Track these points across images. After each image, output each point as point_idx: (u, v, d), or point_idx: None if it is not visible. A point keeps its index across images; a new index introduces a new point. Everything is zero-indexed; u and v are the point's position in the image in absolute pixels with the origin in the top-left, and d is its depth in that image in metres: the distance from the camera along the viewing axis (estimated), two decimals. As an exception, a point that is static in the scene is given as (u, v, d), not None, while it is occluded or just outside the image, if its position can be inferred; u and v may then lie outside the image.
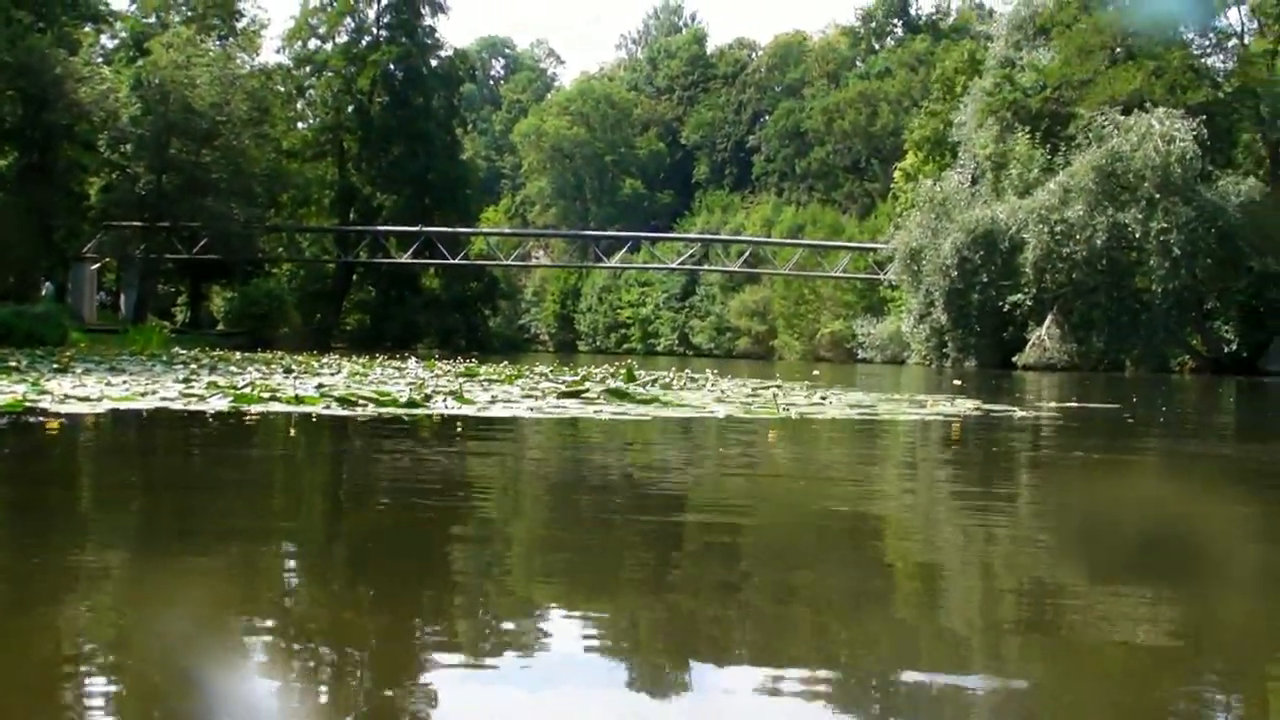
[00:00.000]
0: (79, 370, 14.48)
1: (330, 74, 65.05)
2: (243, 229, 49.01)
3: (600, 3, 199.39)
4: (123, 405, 9.61)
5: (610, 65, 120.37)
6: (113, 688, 2.46)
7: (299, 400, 10.24)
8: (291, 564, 3.93)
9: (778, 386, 15.77)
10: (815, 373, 24.93)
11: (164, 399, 10.17)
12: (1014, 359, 41.90)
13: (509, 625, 3.09)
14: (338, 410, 9.73)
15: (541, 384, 14.07)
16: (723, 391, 13.97)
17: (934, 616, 3.38)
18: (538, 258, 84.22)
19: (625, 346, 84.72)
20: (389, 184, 63.68)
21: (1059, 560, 4.31)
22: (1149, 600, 3.58)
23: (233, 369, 16.72)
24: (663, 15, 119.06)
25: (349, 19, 65.48)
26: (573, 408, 10.74)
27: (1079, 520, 5.42)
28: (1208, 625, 3.32)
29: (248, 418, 9.05)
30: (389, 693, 2.51)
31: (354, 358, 24.96)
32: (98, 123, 45.68)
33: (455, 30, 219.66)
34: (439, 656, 2.76)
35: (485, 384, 14.10)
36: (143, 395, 10.41)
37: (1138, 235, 39.80)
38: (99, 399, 9.84)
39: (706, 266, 69.12)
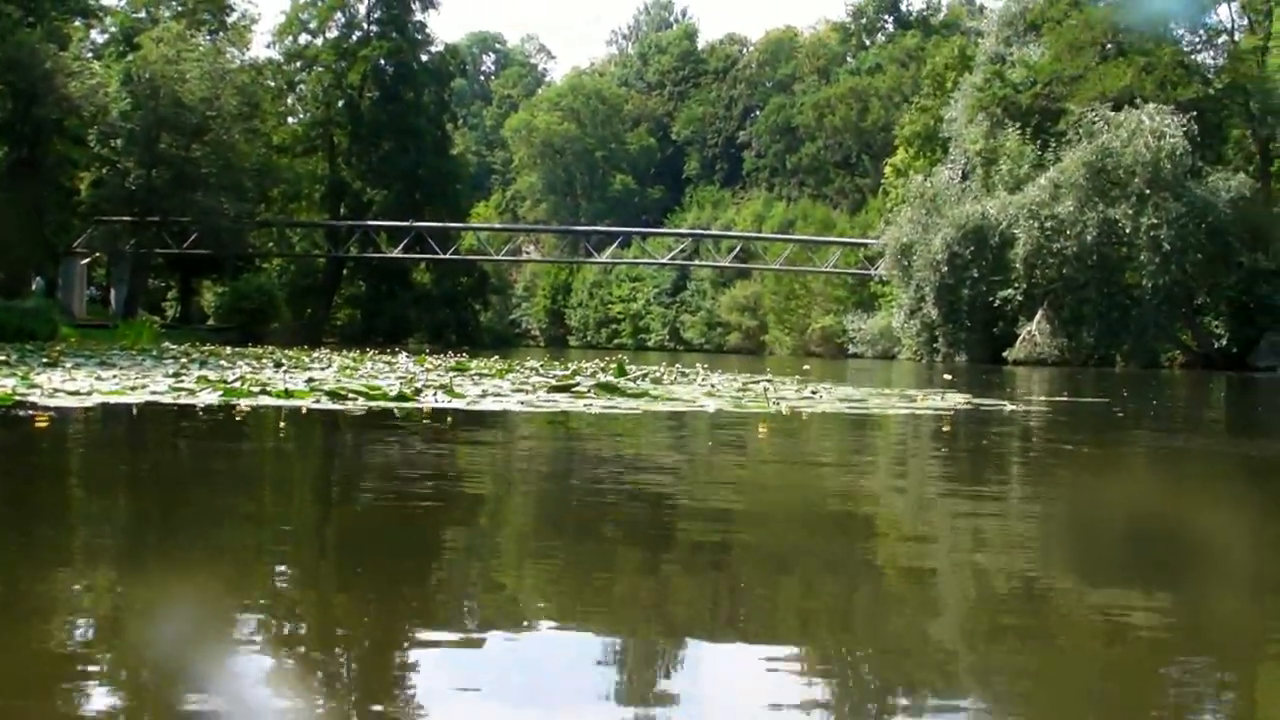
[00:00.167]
0: (69, 365, 14.44)
1: (320, 69, 64.89)
2: (233, 224, 48.89)
3: (600, 3, 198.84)
4: (113, 400, 9.60)
5: (601, 61, 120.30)
6: (99, 681, 2.46)
7: (289, 394, 10.23)
8: (279, 554, 3.92)
9: (768, 381, 15.79)
10: (806, 368, 24.95)
11: (154, 393, 10.16)
12: (1004, 354, 41.97)
13: (497, 616, 3.11)
14: (328, 404, 9.73)
15: (532, 378, 14.08)
16: (713, 386, 13.99)
17: (919, 611, 3.39)
18: (528, 253, 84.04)
19: (616, 342, 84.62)
20: (379, 179, 63.56)
21: (1046, 553, 4.33)
22: (1135, 592, 3.60)
23: (223, 364, 16.70)
24: (653, 11, 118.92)
25: (339, 14, 65.33)
26: (563, 402, 10.75)
27: (1067, 513, 5.44)
28: (1189, 615, 3.34)
29: (237, 412, 9.04)
30: (377, 686, 2.51)
31: (344, 352, 24.93)
32: (88, 118, 45.47)
33: (446, 26, 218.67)
34: (428, 648, 2.77)
35: (476, 378, 14.10)
36: (132, 390, 10.40)
37: (1128, 231, 39.88)
38: (89, 393, 9.83)
39: (697, 262, 69.07)
